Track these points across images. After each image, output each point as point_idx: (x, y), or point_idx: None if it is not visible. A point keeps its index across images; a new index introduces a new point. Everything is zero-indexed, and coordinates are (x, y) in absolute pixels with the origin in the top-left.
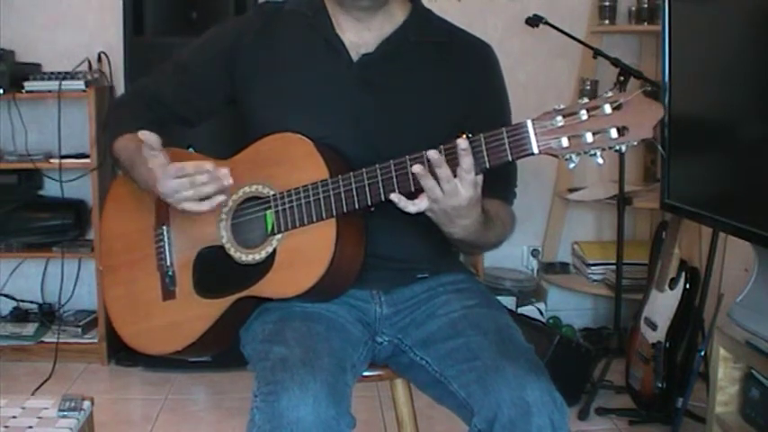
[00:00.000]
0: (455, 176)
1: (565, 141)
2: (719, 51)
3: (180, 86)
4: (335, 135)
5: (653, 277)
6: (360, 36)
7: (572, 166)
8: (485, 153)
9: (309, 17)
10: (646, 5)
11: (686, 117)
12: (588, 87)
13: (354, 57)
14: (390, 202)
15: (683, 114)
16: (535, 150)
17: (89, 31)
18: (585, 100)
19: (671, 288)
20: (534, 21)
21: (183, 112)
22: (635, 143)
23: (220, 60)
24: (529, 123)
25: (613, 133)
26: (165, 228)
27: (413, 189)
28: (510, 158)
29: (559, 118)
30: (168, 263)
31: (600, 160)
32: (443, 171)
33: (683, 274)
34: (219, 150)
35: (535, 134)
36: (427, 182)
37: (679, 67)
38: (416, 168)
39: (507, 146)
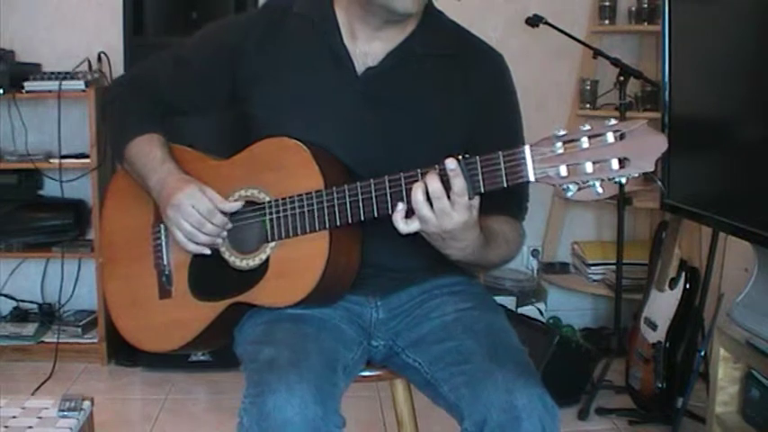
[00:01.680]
0: (449, 198)
1: (563, 170)
2: (719, 51)
3: (181, 82)
4: (335, 146)
5: (653, 277)
6: (369, 45)
7: (569, 194)
8: (480, 176)
9: (316, 23)
10: (646, 5)
11: (686, 117)
12: (588, 87)
13: (359, 69)
14: (379, 218)
15: (683, 114)
16: (531, 178)
17: (89, 31)
18: (588, 126)
19: (671, 288)
20: (534, 21)
21: (183, 107)
22: (636, 175)
23: (224, 59)
24: (527, 150)
25: (614, 164)
26: (162, 226)
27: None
28: (505, 184)
29: (559, 144)
30: (165, 262)
31: (600, 190)
32: (435, 189)
33: (683, 274)
34: (219, 150)
35: (532, 161)
36: (417, 202)
37: (679, 67)
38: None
39: (503, 171)
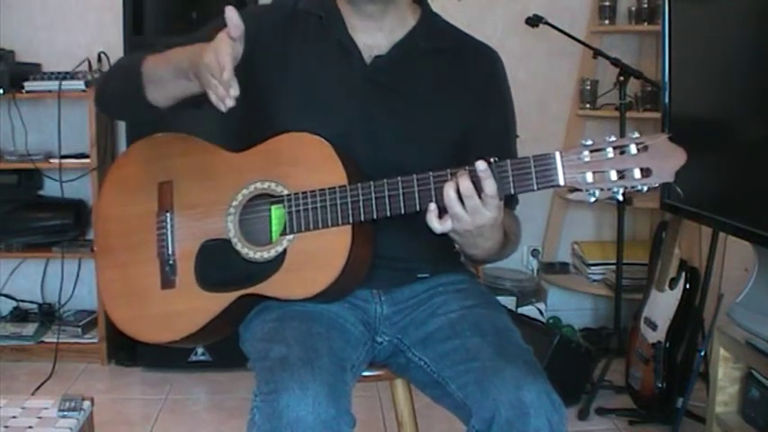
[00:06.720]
0: (479, 198)
1: (590, 177)
2: (719, 51)
3: None
4: (347, 134)
5: (653, 277)
6: (372, 37)
7: (592, 200)
8: (511, 179)
9: (322, 18)
10: (646, 5)
11: (686, 117)
12: (588, 87)
13: (367, 58)
14: (405, 216)
15: (683, 114)
16: (561, 182)
17: (89, 31)
18: (613, 138)
19: (671, 288)
20: (534, 21)
21: None
22: (656, 185)
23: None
24: (557, 155)
25: (637, 174)
26: (168, 215)
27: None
28: (536, 187)
29: (586, 153)
30: (170, 251)
31: (620, 197)
32: (466, 188)
33: (683, 274)
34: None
35: (563, 166)
36: (450, 199)
37: (679, 67)
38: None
39: (533, 175)
